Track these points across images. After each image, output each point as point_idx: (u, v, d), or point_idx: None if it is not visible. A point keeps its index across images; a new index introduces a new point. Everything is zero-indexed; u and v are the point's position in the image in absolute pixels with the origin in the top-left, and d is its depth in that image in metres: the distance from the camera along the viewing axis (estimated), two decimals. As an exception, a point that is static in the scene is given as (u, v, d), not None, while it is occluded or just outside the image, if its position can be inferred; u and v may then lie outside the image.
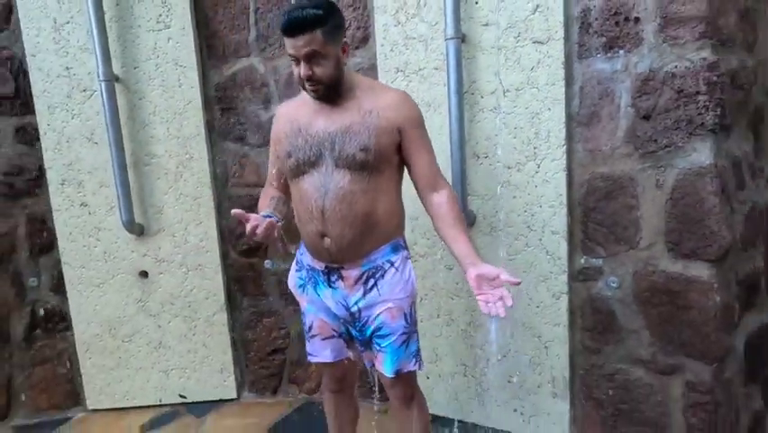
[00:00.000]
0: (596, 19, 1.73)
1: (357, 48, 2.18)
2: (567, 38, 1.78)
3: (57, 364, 2.49)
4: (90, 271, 2.40)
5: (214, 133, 2.37)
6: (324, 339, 1.62)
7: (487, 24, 1.89)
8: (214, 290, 2.43)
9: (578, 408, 1.98)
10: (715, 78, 1.57)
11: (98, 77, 2.17)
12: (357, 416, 1.90)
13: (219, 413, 2.44)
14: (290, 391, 2.51)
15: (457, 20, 1.84)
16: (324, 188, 1.43)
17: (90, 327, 2.44)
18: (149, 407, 2.49)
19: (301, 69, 1.36)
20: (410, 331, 1.54)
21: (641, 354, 1.81)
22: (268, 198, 1.57)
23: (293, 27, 1.32)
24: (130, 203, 2.28)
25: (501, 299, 1.31)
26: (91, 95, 2.27)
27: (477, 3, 1.89)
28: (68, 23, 2.23)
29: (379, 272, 1.50)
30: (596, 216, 1.84)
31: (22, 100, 2.31)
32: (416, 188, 1.52)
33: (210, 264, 2.40)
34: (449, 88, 1.89)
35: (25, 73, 2.28)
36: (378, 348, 1.54)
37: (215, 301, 2.43)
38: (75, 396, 2.51)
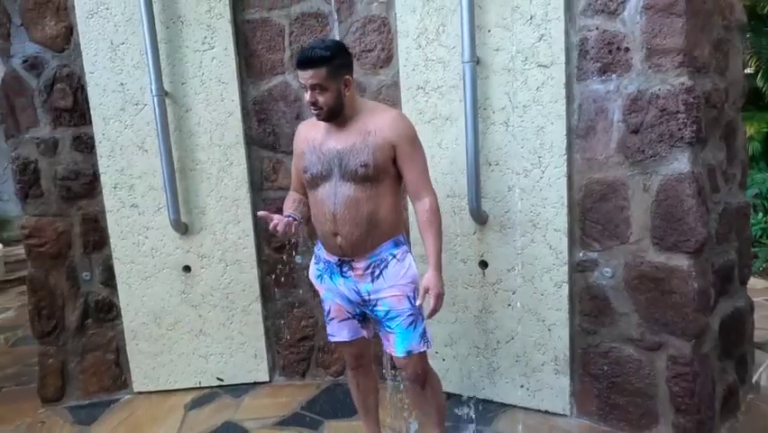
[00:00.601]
0: (592, 47, 2.03)
1: (381, 67, 2.47)
2: (568, 62, 2.08)
3: (106, 351, 2.74)
4: (138, 266, 2.66)
5: (251, 142, 2.64)
6: (340, 321, 1.92)
7: (498, 50, 2.18)
8: (250, 282, 2.69)
9: (577, 382, 2.27)
10: (692, 100, 1.88)
11: (151, 92, 2.44)
12: (377, 389, 2.15)
13: (254, 394, 2.70)
14: (318, 374, 2.78)
15: (473, 46, 2.14)
16: (334, 196, 1.72)
17: (137, 317, 2.70)
18: (190, 389, 2.75)
19: (308, 96, 1.68)
20: (415, 313, 1.80)
21: (631, 334, 2.11)
22: (291, 201, 1.92)
23: (304, 62, 1.65)
24: (177, 204, 2.54)
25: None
26: (142, 108, 2.54)
27: (489, 31, 2.18)
28: (123, 43, 2.50)
29: (383, 264, 1.78)
30: (592, 215, 2.14)
31: (79, 112, 2.57)
32: (407, 194, 1.84)
33: (246, 259, 2.67)
34: (465, 105, 2.17)
35: (83, 88, 2.54)
36: (389, 330, 1.82)
37: (251, 293, 2.70)
38: (122, 380, 2.77)
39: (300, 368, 2.79)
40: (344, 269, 1.81)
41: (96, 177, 2.61)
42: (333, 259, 1.82)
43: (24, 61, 2.50)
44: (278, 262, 2.72)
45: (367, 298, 1.81)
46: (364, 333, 1.96)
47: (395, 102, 2.44)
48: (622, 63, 1.99)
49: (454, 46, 2.24)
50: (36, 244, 2.60)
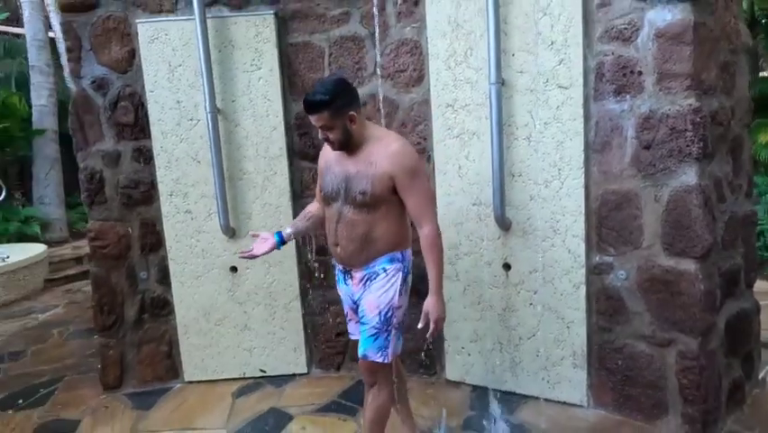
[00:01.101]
0: (608, 70, 2.24)
1: (413, 86, 2.70)
2: (585, 84, 2.29)
3: (160, 343, 3.01)
4: (191, 266, 2.93)
5: (293, 154, 2.89)
6: (355, 323, 2.08)
7: (521, 72, 2.40)
8: (291, 282, 2.94)
9: (593, 375, 2.47)
10: (698, 119, 2.08)
11: (205, 109, 2.71)
12: (402, 382, 2.32)
13: (294, 384, 2.95)
14: (353, 367, 3.00)
15: (498, 68, 2.36)
16: (338, 215, 1.92)
17: (189, 313, 2.97)
18: (235, 379, 3.00)
19: (320, 134, 1.89)
20: (381, 330, 1.91)
21: (643, 331, 2.31)
22: (302, 214, 2.20)
23: (307, 107, 1.84)
24: (226, 210, 2.81)
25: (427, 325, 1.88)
26: (196, 123, 2.80)
27: (514, 55, 2.40)
28: (180, 65, 2.77)
29: (374, 276, 1.93)
30: (608, 222, 2.34)
31: (139, 127, 2.84)
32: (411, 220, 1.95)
33: (288, 261, 2.92)
34: (491, 122, 2.40)
35: (143, 105, 2.82)
36: (359, 330, 1.99)
37: (291, 292, 2.95)
38: (174, 370, 3.03)
39: (336, 361, 3.03)
40: (346, 277, 2.02)
41: (153, 185, 2.89)
42: (340, 267, 2.04)
43: (93, 82, 2.79)
44: (316, 264, 2.96)
45: (356, 306, 2.02)
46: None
47: (426, 118, 2.67)
48: (635, 85, 2.19)
49: (481, 68, 2.46)
50: (100, 246, 2.88)
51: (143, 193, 2.89)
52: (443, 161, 2.64)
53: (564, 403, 2.53)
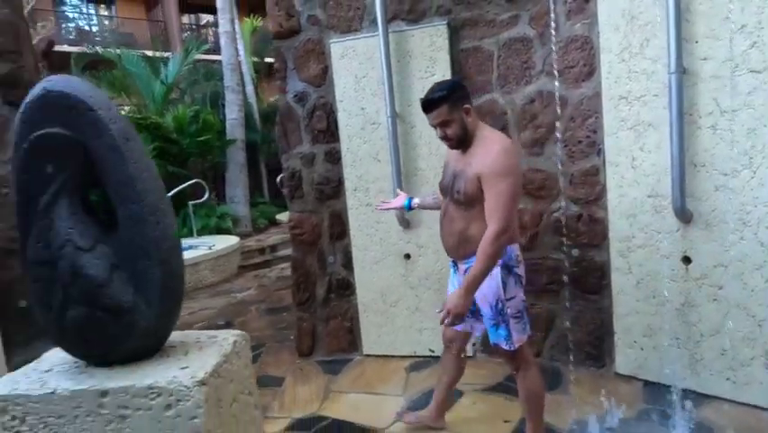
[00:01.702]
0: (812, 50, 2.08)
1: (583, 80, 2.75)
2: (783, 66, 2.15)
3: (344, 319, 3.46)
4: (371, 253, 3.32)
5: (462, 151, 3.12)
6: None
7: (705, 59, 2.33)
8: (458, 270, 3.17)
9: (792, 379, 2.29)
10: None
11: (386, 114, 3.07)
12: (456, 372, 2.47)
13: (460, 365, 3.17)
14: (516, 354, 3.14)
15: (679, 57, 2.32)
16: (445, 209, 2.10)
17: (368, 294, 3.37)
18: (407, 357, 3.33)
19: (438, 133, 2.01)
20: (498, 320, 2.05)
21: None
22: (433, 192, 2.45)
23: (425, 106, 1.99)
24: (402, 203, 3.13)
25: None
26: (377, 126, 3.18)
27: (697, 42, 2.34)
28: (364, 77, 3.17)
29: None
30: (811, 214, 2.16)
31: (330, 132, 3.31)
32: None
33: (456, 251, 3.15)
34: (671, 112, 2.36)
35: (334, 113, 3.28)
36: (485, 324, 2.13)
37: (459, 279, 3.18)
38: (354, 343, 3.46)
39: (500, 347, 3.19)
40: (454, 268, 2.18)
41: (341, 182, 3.34)
42: (450, 258, 2.19)
43: (295, 96, 3.32)
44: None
45: None
46: (461, 326, 2.23)
47: (596, 111, 2.71)
48: None
49: (659, 58, 2.44)
50: (298, 234, 3.42)
51: (333, 188, 3.36)
52: (615, 153, 2.66)
53: (754, 406, 2.38)
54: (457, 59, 3.06)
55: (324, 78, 3.28)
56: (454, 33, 3.04)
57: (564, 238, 2.84)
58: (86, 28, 15.98)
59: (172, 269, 1.15)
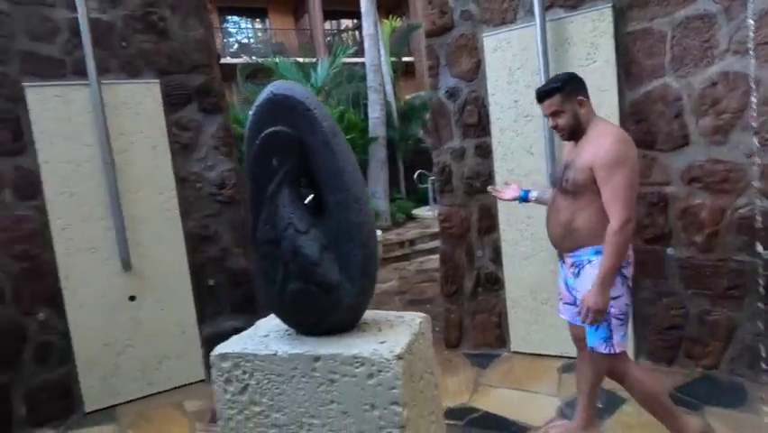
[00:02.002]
0: None
1: (781, 58, 2.40)
2: None
3: (491, 314, 3.45)
4: (521, 248, 3.26)
5: (625, 142, 2.91)
6: (564, 303, 2.23)
7: None
8: (619, 269, 2.97)
9: None
10: None
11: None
12: (588, 375, 2.28)
13: (619, 371, 2.97)
14: (686, 364, 2.86)
15: None
16: (553, 199, 2.11)
17: (517, 290, 3.31)
18: (556, 356, 3.21)
19: (550, 123, 2.06)
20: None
21: None
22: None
23: (539, 96, 2.06)
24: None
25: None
26: (531, 119, 3.11)
27: None
28: (518, 68, 3.12)
29: (581, 265, 2.02)
30: None
31: (481, 126, 3.31)
32: None
33: (616, 248, 2.95)
34: None
35: (485, 107, 3.27)
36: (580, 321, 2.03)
37: (619, 279, 2.98)
38: (502, 339, 3.43)
39: (667, 355, 2.93)
40: (562, 260, 2.15)
41: (491, 176, 3.32)
42: (556, 249, 2.16)
43: (446, 92, 3.38)
44: (647, 253, 2.91)
45: (568, 284, 2.13)
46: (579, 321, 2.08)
47: (798, 92, 2.34)
48: None
49: None
50: (447, 227, 3.48)
51: (483, 182, 3.36)
52: (825, 139, 2.28)
53: None
54: (623, 42, 2.86)
55: (476, 72, 3.29)
56: (620, 16, 2.84)
57: (753, 239, 2.51)
58: (244, 41, 17.85)
59: (371, 251, 1.26)
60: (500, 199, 2.53)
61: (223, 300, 3.52)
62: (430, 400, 1.37)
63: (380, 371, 1.18)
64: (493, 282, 3.42)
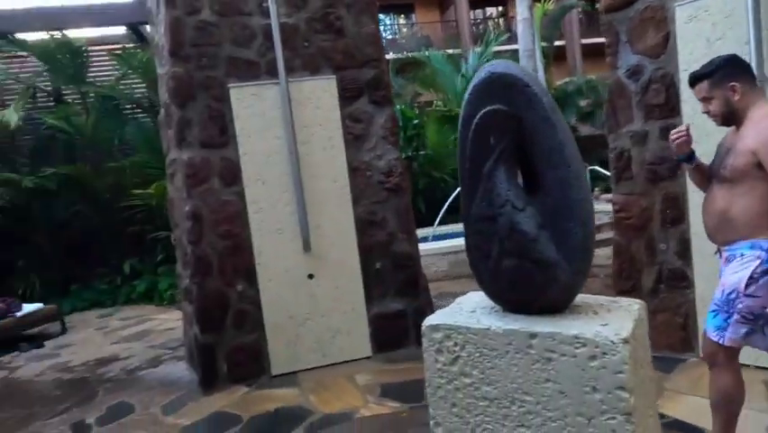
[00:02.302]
0: None
1: None
2: None
3: (675, 315, 3.13)
4: (716, 242, 2.89)
5: None
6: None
7: None
8: None
9: None
10: None
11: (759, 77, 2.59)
12: (725, 393, 2.07)
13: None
14: None
15: None
16: (709, 190, 2.02)
17: (710, 289, 2.90)
18: (762, 368, 2.79)
19: (702, 107, 2.02)
20: (720, 308, 1.93)
21: None
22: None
23: (690, 81, 2.02)
24: None
25: None
26: (735, 95, 2.73)
27: None
28: (719, 39, 2.76)
29: (733, 257, 1.92)
30: None
31: (669, 106, 3.00)
32: None
33: None
34: None
35: (674, 85, 2.96)
36: None
37: None
38: (688, 343, 3.09)
39: None
40: (720, 255, 2.02)
41: (678, 162, 2.99)
42: (712, 242, 2.05)
43: (627, 70, 3.13)
44: None
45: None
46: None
47: None
48: None
49: None
50: (623, 218, 3.23)
51: (668, 169, 3.05)
52: None
53: None
54: None
55: (663, 47, 2.99)
56: None
57: None
58: (389, 37, 18.46)
59: (589, 230, 1.23)
60: (683, 143, 2.07)
61: (388, 283, 3.70)
62: (650, 393, 1.28)
63: (605, 353, 1.14)
64: (679, 279, 3.10)
